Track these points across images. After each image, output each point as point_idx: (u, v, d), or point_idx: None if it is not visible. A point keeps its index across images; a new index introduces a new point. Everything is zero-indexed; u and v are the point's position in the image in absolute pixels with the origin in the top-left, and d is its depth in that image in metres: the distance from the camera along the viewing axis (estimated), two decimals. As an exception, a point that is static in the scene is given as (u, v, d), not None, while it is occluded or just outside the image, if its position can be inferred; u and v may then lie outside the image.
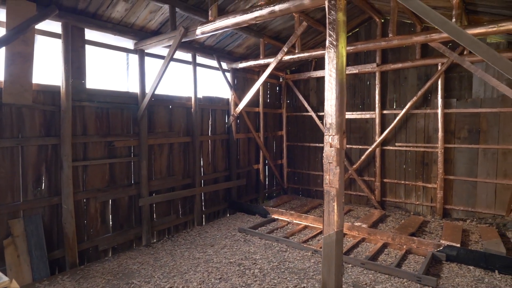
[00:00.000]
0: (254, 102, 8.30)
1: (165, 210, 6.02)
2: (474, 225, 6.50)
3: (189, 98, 6.49)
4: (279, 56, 6.42)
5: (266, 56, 7.08)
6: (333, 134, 3.23)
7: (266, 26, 6.68)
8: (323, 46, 6.56)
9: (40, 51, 4.51)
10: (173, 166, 6.20)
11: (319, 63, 8.72)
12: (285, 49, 6.30)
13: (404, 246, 5.14)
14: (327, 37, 3.22)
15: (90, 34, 4.90)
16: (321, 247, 5.12)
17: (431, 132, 7.19)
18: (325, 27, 7.12)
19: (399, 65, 7.29)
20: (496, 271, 4.38)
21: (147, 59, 5.67)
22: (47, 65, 4.65)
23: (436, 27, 2.55)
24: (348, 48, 5.89)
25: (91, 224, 4.89)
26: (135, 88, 5.58)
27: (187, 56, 6.50)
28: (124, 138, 5.28)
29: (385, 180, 7.86)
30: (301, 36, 6.93)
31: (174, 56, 6.01)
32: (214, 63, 7.10)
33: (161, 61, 5.45)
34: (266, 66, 7.29)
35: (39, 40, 4.50)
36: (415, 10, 2.58)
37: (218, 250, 5.16)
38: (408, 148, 7.49)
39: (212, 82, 7.48)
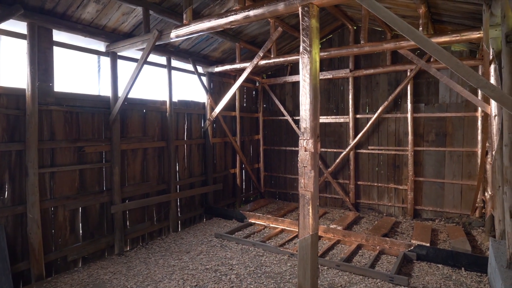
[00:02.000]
0: (230, 106, 8.29)
1: (139, 217, 5.85)
2: (442, 224, 6.79)
3: (164, 102, 6.37)
4: (255, 61, 6.45)
5: (242, 60, 7.10)
6: (308, 138, 3.27)
7: (242, 31, 6.71)
8: (298, 52, 6.66)
9: (4, 52, 4.28)
10: (148, 171, 6.05)
11: (295, 68, 8.85)
12: (261, 53, 6.34)
13: (378, 247, 5.28)
14: (301, 43, 3.27)
15: (59, 35, 4.71)
16: (297, 250, 5.16)
17: (402, 136, 7.47)
18: (300, 33, 7.25)
19: (371, 71, 7.54)
20: (463, 268, 4.59)
21: (119, 62, 5.52)
22: (12, 67, 4.42)
23: (403, 34, 2.65)
24: (322, 53, 6.04)
25: (59, 233, 4.66)
26: (107, 92, 5.41)
27: (162, 60, 6.39)
28: (95, 143, 5.10)
29: (359, 182, 8.06)
30: (277, 41, 7.01)
31: (148, 59, 5.91)
32: (189, 66, 7.02)
33: (134, 64, 5.33)
34: (242, 70, 7.32)
35: (3, 40, 4.28)
36: (384, 19, 2.68)
37: (194, 257, 5.07)
38: (380, 151, 7.73)
39: (188, 86, 7.40)
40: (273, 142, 9.43)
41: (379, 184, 7.78)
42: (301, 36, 3.28)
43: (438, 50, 2.56)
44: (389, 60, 7.36)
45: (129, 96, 5.53)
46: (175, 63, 6.68)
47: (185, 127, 7.01)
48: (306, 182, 3.31)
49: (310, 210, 3.29)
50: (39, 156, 4.35)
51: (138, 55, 5.65)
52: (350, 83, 7.93)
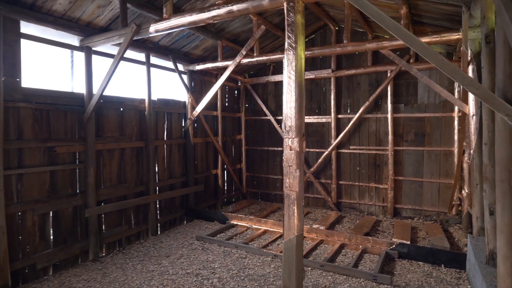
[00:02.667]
0: (212, 105, 8.12)
1: (115, 221, 5.59)
2: (421, 222, 6.92)
3: (142, 100, 6.13)
4: (237, 59, 6.33)
5: (225, 58, 6.96)
6: (293, 136, 3.19)
7: (224, 28, 6.58)
8: (282, 50, 6.60)
9: (-36, 43, 3.94)
10: (125, 172, 5.79)
11: (277, 68, 8.79)
12: (243, 52, 6.23)
13: (360, 246, 5.29)
14: (286, 39, 3.19)
15: (28, 27, 4.40)
16: (281, 252, 5.09)
17: (382, 136, 7.57)
18: (283, 32, 7.19)
19: (353, 71, 7.59)
20: (443, 265, 4.66)
21: (94, 57, 5.25)
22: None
23: (390, 32, 2.62)
24: (305, 53, 5.99)
25: (28, 239, 4.35)
26: (81, 89, 5.13)
27: (141, 56, 6.15)
28: (67, 143, 4.81)
29: (340, 182, 8.10)
30: (260, 40, 6.93)
31: (126, 56, 5.68)
32: (169, 64, 6.81)
33: (111, 60, 5.07)
34: (224, 68, 7.18)
35: (-37, 31, 3.94)
36: (372, 16, 2.64)
37: (174, 261, 4.88)
38: (361, 151, 7.80)
39: (168, 84, 7.18)
40: (256, 142, 9.34)
41: (360, 184, 7.85)
42: (286, 32, 3.19)
43: (424, 48, 2.55)
44: (370, 61, 7.44)
45: (105, 93, 5.28)
46: (154, 60, 6.45)
47: (165, 127, 6.79)
48: (291, 181, 3.22)
49: (295, 211, 3.21)
50: (4, 156, 4.04)
51: (114, 50, 5.40)
52: (332, 83, 7.96)
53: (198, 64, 7.09)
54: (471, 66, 4.43)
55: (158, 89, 6.74)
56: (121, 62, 5.48)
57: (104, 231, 5.37)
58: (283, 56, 6.16)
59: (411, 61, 7.06)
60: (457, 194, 6.59)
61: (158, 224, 6.47)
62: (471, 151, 4.51)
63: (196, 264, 4.74)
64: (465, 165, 5.68)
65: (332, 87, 7.96)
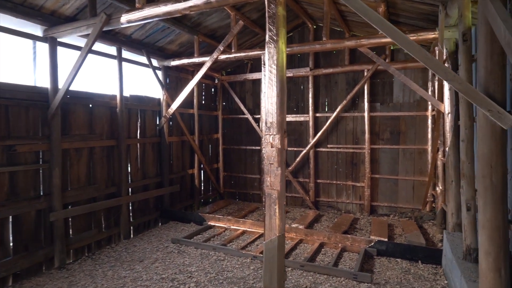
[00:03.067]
0: (188, 103, 7.87)
1: (84, 225, 5.24)
2: (396, 219, 7.04)
3: (113, 97, 5.80)
4: (214, 55, 6.15)
5: (201, 54, 6.74)
6: (274, 133, 3.07)
7: (201, 23, 6.36)
8: (260, 47, 6.50)
9: None
10: (95, 173, 5.44)
11: (255, 65, 8.67)
12: (221, 47, 6.05)
13: (339, 244, 5.27)
14: (267, 31, 3.06)
15: (-18, 14, 4.00)
16: (261, 253, 4.96)
17: (359, 134, 7.64)
18: (261, 29, 7.06)
19: (330, 70, 7.61)
20: (420, 261, 4.72)
21: (60, 49, 4.88)
22: None
23: (374, 26, 2.56)
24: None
25: (-16, 247, 3.95)
26: (45, 83, 4.74)
27: (112, 50, 5.81)
28: (30, 142, 4.43)
29: (318, 180, 8.10)
30: (238, 36, 6.77)
31: (96, 49, 5.36)
32: (143, 59, 6.50)
33: (78, 53, 4.73)
34: (201, 65, 6.96)
35: None
36: (357, 10, 2.57)
37: (148, 266, 4.63)
38: (339, 150, 7.84)
39: (142, 81, 6.86)
40: (233, 141, 9.17)
41: (338, 182, 7.89)
42: (267, 24, 3.07)
43: (408, 42, 2.51)
44: (347, 60, 7.48)
45: (72, 88, 4.94)
46: (127, 54, 6.12)
47: (138, 125, 6.47)
48: (273, 180, 3.10)
49: (277, 210, 3.09)
50: (-45, 156, 3.64)
51: (82, 42, 5.04)
52: (310, 81, 7.95)
53: (173, 60, 6.82)
54: (446, 64, 4.51)
55: (131, 85, 6.43)
56: (90, 55, 5.17)
57: (72, 236, 5.01)
58: (262, 53, 6.07)
59: (387, 60, 7.17)
60: (431, 191, 6.76)
61: (131, 227, 6.15)
62: (447, 148, 4.59)
63: (171, 268, 4.51)
64: (439, 163, 5.81)
65: (310, 85, 7.95)
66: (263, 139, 2.99)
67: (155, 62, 6.87)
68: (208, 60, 6.30)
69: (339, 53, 7.74)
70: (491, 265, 2.42)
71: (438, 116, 5.23)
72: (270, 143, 3.10)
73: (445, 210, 5.71)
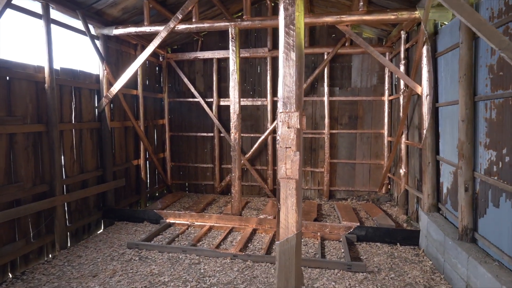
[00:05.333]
0: (131, 83, 6.68)
1: (5, 236, 3.95)
2: (355, 202, 7.17)
3: (40, 68, 4.47)
4: (171, 24, 5.22)
5: (152, 23, 5.68)
6: (292, 110, 2.52)
7: (152, -15, 5.31)
8: (222, 19, 5.69)
9: None
10: (17, 168, 4.13)
11: (207, 43, 7.83)
12: (179, 15, 5.16)
13: (318, 234, 5.02)
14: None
15: None
16: (240, 251, 4.41)
17: (318, 119, 7.52)
18: (220, 1, 6.21)
19: (290, 52, 7.24)
20: (398, 244, 4.75)
21: (-41, -5, 3.46)
22: None
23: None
24: (246, 23, 5.31)
25: None
26: None
27: (36, 6, 4.43)
28: None
29: (276, 168, 7.76)
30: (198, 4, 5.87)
31: (15, 2, 3.99)
32: (78, 24, 5.18)
33: (-10, 2, 3.40)
34: (151, 36, 5.91)
35: None
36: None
37: (107, 281, 3.68)
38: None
39: (75, 52, 5.52)
40: (182, 127, 8.24)
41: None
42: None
43: (459, 4, 2.19)
44: (307, 42, 7.22)
45: (-20, 52, 3.57)
46: (57, 15, 4.77)
47: (73, 106, 5.19)
48: (290, 167, 2.56)
49: (295, 203, 2.58)
50: None
51: (-6, -10, 3.67)
52: (268, 63, 7.49)
53: (116, 28, 5.62)
54: (425, 46, 4.49)
55: (62, 56, 5.09)
56: (8, 10, 3.84)
57: (-12, 253, 3.72)
58: (231, 25, 5.37)
59: (346, 44, 7.12)
60: (386, 174, 6.99)
61: (68, 233, 4.95)
62: (424, 130, 4.63)
63: (139, 281, 3.66)
64: (403, 146, 5.97)
65: (269, 67, 7.50)
66: (277, 118, 2.43)
67: (93, 30, 5.57)
68: (162, 30, 5.33)
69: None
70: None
71: (408, 100, 5.29)
72: (287, 122, 2.54)
73: (408, 192, 5.92)
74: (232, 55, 5.35)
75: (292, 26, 2.47)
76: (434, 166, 4.60)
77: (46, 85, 4.52)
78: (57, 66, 4.79)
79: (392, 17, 4.61)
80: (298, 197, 2.61)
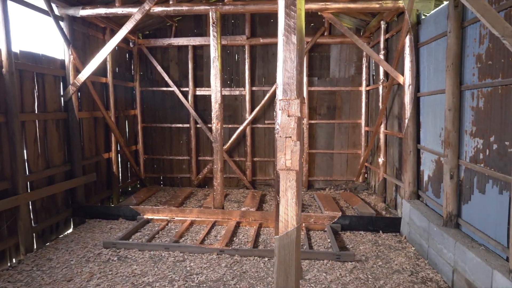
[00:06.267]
0: (100, 70, 6.16)
1: (-39, 241, 3.49)
2: (333, 192, 7.25)
3: (-5, 51, 3.95)
4: (146, 6, 4.83)
5: (123, 5, 5.24)
6: (292, 97, 2.37)
7: (124, -38, 4.88)
8: (201, 1, 5.38)
9: None
10: (-28, 163, 3.65)
11: (181, 28, 7.44)
12: (155, -4, 4.78)
13: (303, 224, 4.99)
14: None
15: None
16: (226, 245, 4.26)
17: (297, 109, 7.44)
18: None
19: (268, 40, 7.10)
20: (381, 231, 4.83)
21: None
22: None
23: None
24: (228, 7, 5.07)
25: None
26: None
27: (-13, -21, 3.88)
28: None
29: (255, 159, 7.67)
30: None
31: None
32: (40, 3, 4.64)
33: None
34: (121, 20, 5.47)
35: None
36: None
37: (84, 285, 3.37)
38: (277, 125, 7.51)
39: (37, 34, 4.95)
40: (155, 118, 7.83)
41: (275, 159, 7.61)
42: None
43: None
44: (286, 30, 7.06)
45: None
46: (13, -10, 4.23)
47: (35, 94, 4.68)
48: (289, 158, 2.43)
49: (295, 195, 2.46)
50: None
51: None
52: (246, 52, 7.27)
53: (83, 8, 5.11)
54: (408, 36, 4.52)
55: (22, 38, 4.54)
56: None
57: None
58: (211, 8, 5.08)
59: (325, 33, 7.09)
60: (363, 163, 7.11)
61: (34, 235, 4.51)
62: (406, 120, 4.70)
63: (120, 283, 3.39)
64: (381, 136, 6.07)
65: (247, 56, 7.28)
66: (277, 106, 2.28)
67: (56, 10, 5.03)
68: (136, 13, 4.93)
69: (277, 22, 7.24)
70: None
71: (389, 90, 5.34)
72: (287, 110, 2.39)
73: (386, 180, 6.05)
74: (213, 41, 5.08)
75: (293, 7, 2.31)
76: (415, 155, 4.70)
77: (3, 69, 4.01)
78: (16, 49, 4.27)
79: (377, 5, 4.60)
80: (298, 189, 2.49)
